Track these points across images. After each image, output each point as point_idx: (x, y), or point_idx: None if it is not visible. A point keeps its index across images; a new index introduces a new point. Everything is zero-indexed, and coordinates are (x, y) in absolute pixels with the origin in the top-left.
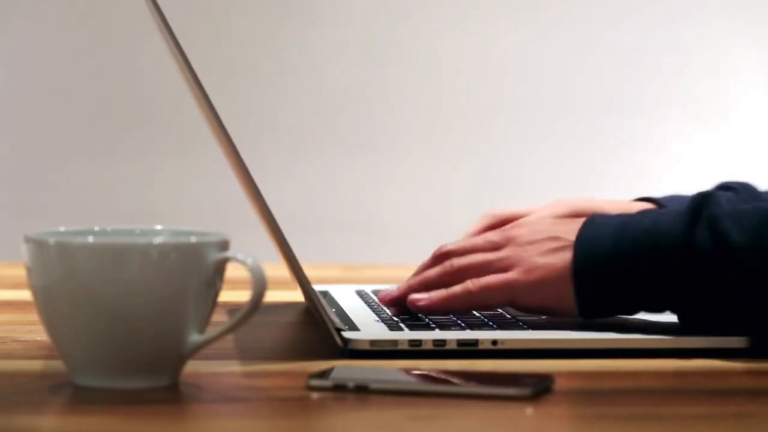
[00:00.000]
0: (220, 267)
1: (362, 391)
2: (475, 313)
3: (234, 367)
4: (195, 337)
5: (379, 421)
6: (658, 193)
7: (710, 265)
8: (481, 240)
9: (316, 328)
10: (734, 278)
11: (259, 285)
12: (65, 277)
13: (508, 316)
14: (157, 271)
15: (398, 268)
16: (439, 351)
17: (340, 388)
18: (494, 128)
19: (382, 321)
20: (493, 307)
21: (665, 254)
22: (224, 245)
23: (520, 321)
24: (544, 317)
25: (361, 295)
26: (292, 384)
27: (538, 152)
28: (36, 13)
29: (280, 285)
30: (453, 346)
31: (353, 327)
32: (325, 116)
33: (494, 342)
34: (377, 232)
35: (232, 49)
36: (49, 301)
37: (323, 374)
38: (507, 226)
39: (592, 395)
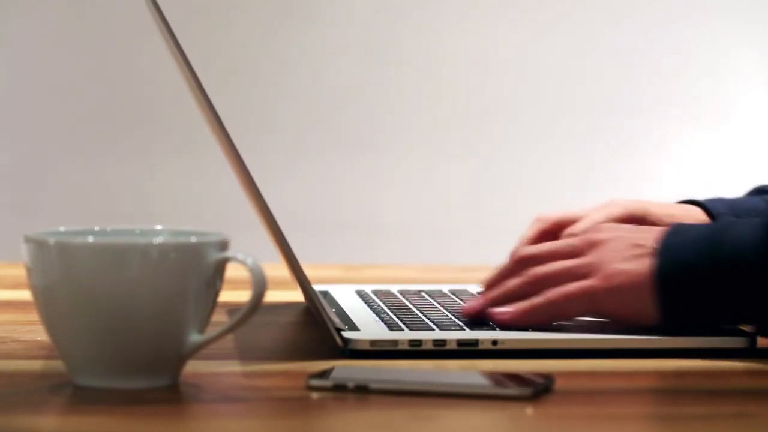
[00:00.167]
0: (220, 267)
1: (362, 391)
2: None
3: (234, 367)
4: (195, 337)
5: (379, 421)
6: (658, 193)
7: None
8: (561, 244)
9: (316, 328)
10: None
11: (259, 285)
12: (65, 277)
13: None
14: (157, 271)
15: (398, 268)
16: (439, 351)
17: (340, 388)
18: (494, 128)
19: (382, 321)
20: (574, 317)
21: (748, 265)
22: (224, 245)
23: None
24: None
25: (361, 295)
26: (292, 384)
27: (538, 152)
28: (36, 13)
29: (280, 285)
30: (453, 346)
31: (353, 327)
32: (325, 116)
33: (494, 342)
34: (377, 232)
35: (232, 49)
36: (49, 301)
37: (323, 374)
38: (586, 231)
39: (592, 395)
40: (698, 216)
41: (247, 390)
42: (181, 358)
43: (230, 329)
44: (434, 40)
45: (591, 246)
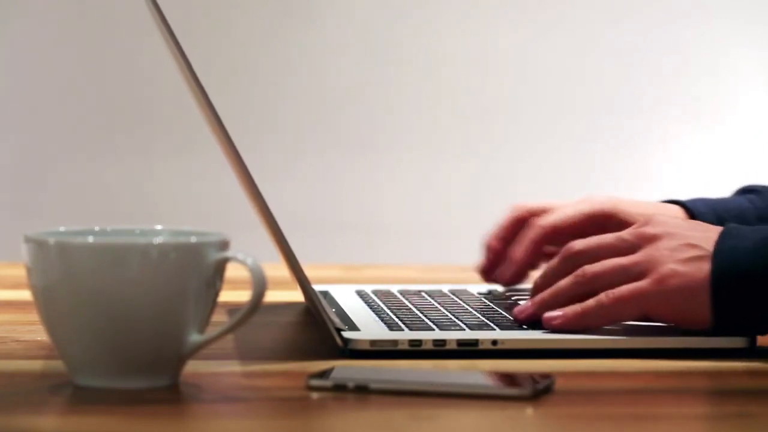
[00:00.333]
0: (220, 267)
1: (362, 391)
2: (474, 312)
3: (234, 367)
4: (195, 337)
5: (379, 421)
6: (658, 193)
7: None
8: (612, 239)
9: (316, 328)
10: None
11: (259, 285)
12: (65, 277)
13: (508, 316)
14: (157, 271)
15: (398, 268)
16: (439, 351)
17: (340, 388)
18: (494, 128)
19: (382, 321)
20: (627, 320)
21: None
22: (224, 245)
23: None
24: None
25: (361, 295)
26: (292, 384)
27: (538, 152)
28: (36, 14)
29: (280, 285)
30: (453, 346)
31: (353, 327)
32: (326, 116)
33: (494, 342)
34: (377, 232)
35: (232, 49)
36: (49, 301)
37: (323, 374)
38: (639, 225)
39: (592, 395)
40: (678, 215)
41: (247, 390)
42: (181, 358)
43: (230, 329)
44: (434, 40)
45: (643, 241)
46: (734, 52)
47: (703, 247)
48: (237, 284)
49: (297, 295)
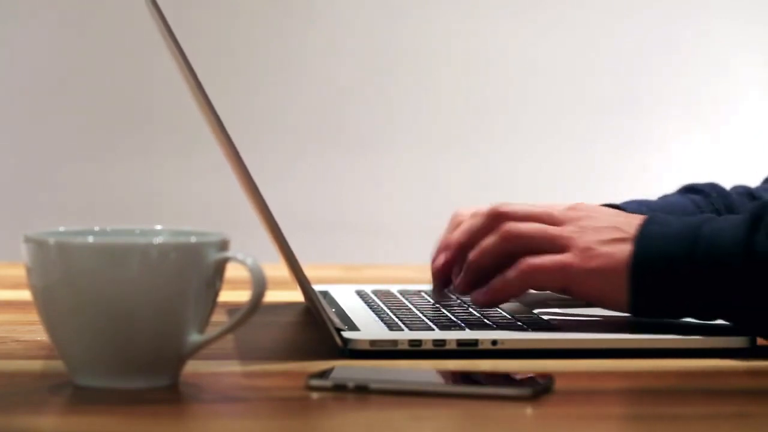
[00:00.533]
0: (220, 267)
1: (362, 391)
2: (475, 313)
3: (234, 367)
4: (195, 337)
5: (379, 421)
6: (658, 193)
7: None
8: (539, 210)
9: (316, 328)
10: None
11: (259, 285)
12: (65, 277)
13: (508, 316)
14: (157, 271)
15: (398, 268)
16: (439, 351)
17: (340, 388)
18: (495, 128)
19: (382, 321)
20: (547, 290)
21: (724, 260)
22: (224, 245)
23: (520, 321)
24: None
25: (361, 295)
26: (292, 384)
27: (538, 152)
28: (36, 14)
29: (280, 285)
30: (453, 346)
31: (353, 327)
32: (325, 116)
33: (494, 342)
34: (377, 232)
35: (232, 48)
36: (49, 301)
37: (323, 374)
38: (565, 208)
39: (592, 395)
40: (636, 216)
41: (247, 390)
42: (181, 358)
43: (230, 329)
44: (434, 40)
45: (570, 220)
46: (734, 52)
47: (626, 230)
48: (237, 284)
49: (297, 295)
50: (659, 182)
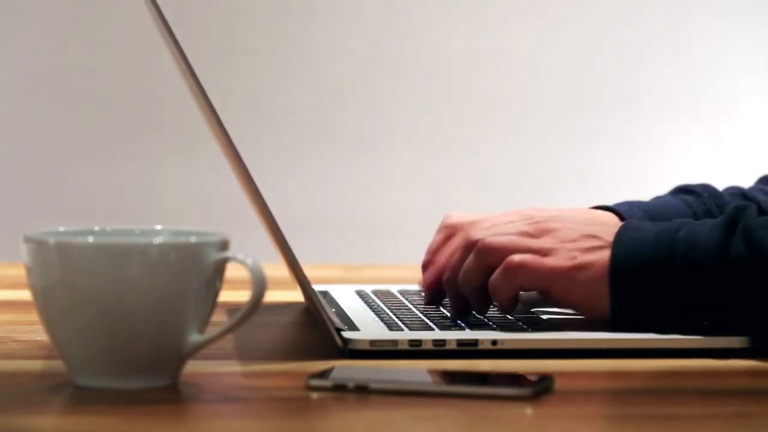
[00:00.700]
0: (220, 267)
1: (362, 391)
2: (474, 312)
3: (234, 367)
4: (195, 337)
5: (379, 421)
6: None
7: (745, 275)
8: (512, 228)
9: (316, 328)
10: None
11: (259, 285)
12: (65, 277)
13: (508, 316)
14: (157, 271)
15: (398, 268)
16: (439, 351)
17: (340, 388)
18: (495, 128)
19: (382, 321)
20: (529, 290)
21: (701, 263)
22: (224, 245)
23: (520, 321)
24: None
25: (361, 295)
26: (292, 384)
27: (538, 152)
28: (37, 14)
29: (280, 285)
30: (453, 346)
31: (353, 327)
32: (326, 116)
33: (494, 342)
34: (377, 232)
35: (232, 48)
36: (48, 301)
37: (323, 374)
38: (538, 219)
39: (592, 395)
40: (610, 221)
41: (247, 390)
42: (181, 358)
43: (230, 329)
44: (435, 40)
45: (544, 233)
46: (735, 53)
47: (604, 238)
48: (237, 284)
49: (297, 295)
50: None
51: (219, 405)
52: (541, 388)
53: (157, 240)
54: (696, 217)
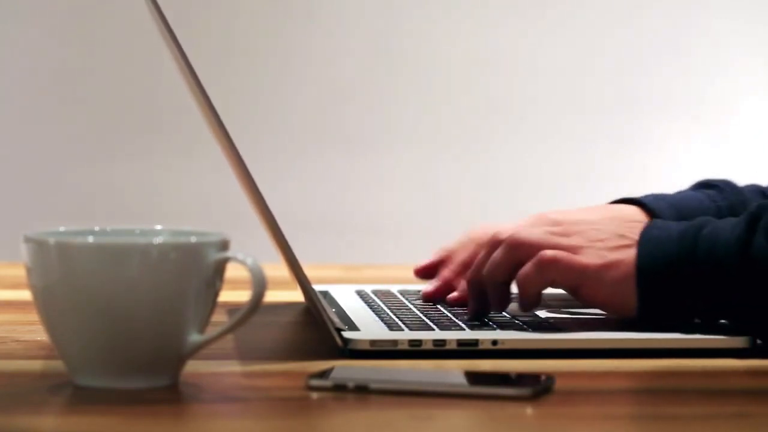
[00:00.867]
0: (220, 267)
1: (362, 391)
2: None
3: (234, 367)
4: (195, 337)
5: (379, 421)
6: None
7: (767, 273)
8: (540, 229)
9: (316, 328)
10: None
11: (259, 285)
12: (65, 277)
13: (508, 316)
14: (157, 271)
15: (398, 268)
16: (439, 351)
17: (340, 388)
18: (495, 128)
19: (382, 321)
20: (561, 287)
21: (722, 261)
22: (224, 245)
23: (520, 321)
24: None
25: (361, 295)
26: (292, 384)
27: (538, 152)
28: (38, 13)
29: (280, 285)
30: (453, 346)
31: (353, 327)
32: (326, 116)
33: (494, 342)
34: (377, 232)
35: (232, 48)
36: (48, 301)
37: (323, 374)
38: (564, 221)
39: (592, 395)
40: (635, 218)
41: (247, 390)
42: (181, 358)
43: (230, 329)
44: (435, 40)
45: (574, 233)
46: (735, 53)
47: (630, 236)
48: (237, 284)
49: (297, 295)
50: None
51: (219, 405)
52: (541, 388)
53: (157, 240)
54: (719, 210)
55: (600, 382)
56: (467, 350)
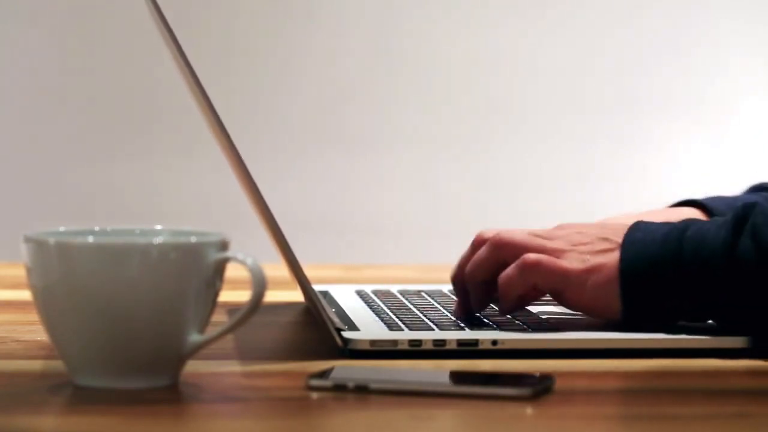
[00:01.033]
0: (220, 267)
1: (362, 391)
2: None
3: (234, 367)
4: (195, 337)
5: (379, 421)
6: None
7: (753, 272)
8: (524, 231)
9: (316, 328)
10: None
11: (259, 285)
12: (65, 277)
13: (508, 316)
14: (157, 271)
15: (398, 268)
16: (439, 351)
17: (340, 388)
18: (495, 128)
19: (382, 321)
20: (544, 290)
21: (708, 262)
22: (224, 245)
23: (520, 321)
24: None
25: (361, 295)
26: (292, 384)
27: (538, 152)
28: (37, 14)
29: (280, 285)
30: (453, 346)
31: (353, 327)
32: (326, 116)
33: (494, 342)
34: (378, 232)
35: (232, 48)
36: (48, 301)
37: (323, 374)
38: (551, 229)
39: (592, 395)
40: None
41: (247, 390)
42: (181, 358)
43: (230, 329)
44: (435, 40)
45: (556, 237)
46: (736, 53)
47: (615, 239)
48: (237, 284)
49: (297, 295)
50: (659, 182)
51: (219, 405)
52: (541, 388)
53: (157, 240)
54: None
55: (600, 382)
56: (467, 350)
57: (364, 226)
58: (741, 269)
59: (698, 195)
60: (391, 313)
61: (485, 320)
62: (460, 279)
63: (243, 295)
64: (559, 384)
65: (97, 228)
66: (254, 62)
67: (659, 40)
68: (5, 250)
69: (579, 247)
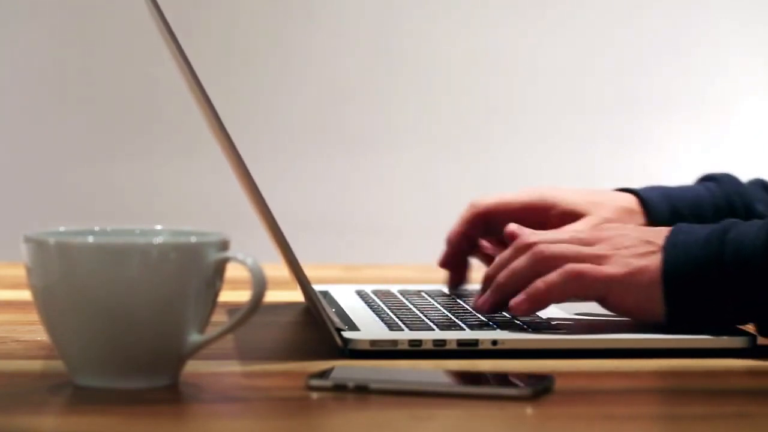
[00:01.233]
0: (220, 267)
1: (362, 391)
2: (475, 313)
3: (234, 367)
4: (195, 337)
5: (379, 421)
6: None
7: None
8: (567, 235)
9: (316, 328)
10: None
11: (259, 285)
12: (65, 277)
13: (508, 316)
14: (157, 271)
15: (398, 268)
16: (439, 351)
17: (340, 388)
18: (495, 128)
19: (382, 321)
20: (586, 300)
21: (749, 262)
22: (224, 245)
23: (520, 321)
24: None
25: (361, 295)
26: (292, 384)
27: (538, 152)
28: (38, 13)
29: (280, 285)
30: (453, 346)
31: (353, 327)
32: (326, 116)
33: (494, 342)
34: (378, 232)
35: (232, 48)
36: (48, 301)
37: (323, 374)
38: (590, 229)
39: (592, 395)
40: (625, 204)
41: (247, 390)
42: (181, 358)
43: (230, 329)
44: (435, 40)
45: (600, 240)
46: (736, 52)
47: (656, 242)
48: (237, 284)
49: (297, 295)
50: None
51: (219, 405)
52: (541, 388)
53: (157, 240)
54: (715, 201)
55: (600, 382)
56: (467, 350)
57: (364, 226)
58: None
59: None
60: (391, 313)
61: (485, 320)
62: (496, 280)
63: (243, 295)
64: (559, 384)
65: (97, 228)
66: (254, 62)
67: (659, 40)
68: (5, 250)
69: (622, 251)
